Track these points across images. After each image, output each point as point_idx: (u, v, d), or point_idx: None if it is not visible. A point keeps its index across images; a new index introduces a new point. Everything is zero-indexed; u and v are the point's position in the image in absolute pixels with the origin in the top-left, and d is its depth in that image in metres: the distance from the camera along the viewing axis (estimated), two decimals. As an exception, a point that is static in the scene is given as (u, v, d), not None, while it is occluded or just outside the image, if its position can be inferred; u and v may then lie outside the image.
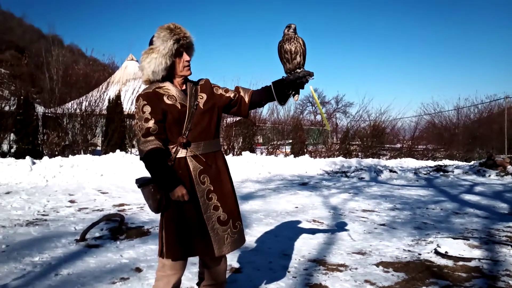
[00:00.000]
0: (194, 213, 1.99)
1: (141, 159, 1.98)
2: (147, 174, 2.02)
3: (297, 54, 2.03)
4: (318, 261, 3.50)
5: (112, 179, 8.46)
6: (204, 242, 2.00)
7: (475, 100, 27.20)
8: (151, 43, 2.01)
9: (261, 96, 2.18)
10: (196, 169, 2.00)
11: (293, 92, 2.12)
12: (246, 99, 2.18)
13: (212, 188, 2.02)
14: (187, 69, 2.04)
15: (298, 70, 2.03)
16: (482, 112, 25.66)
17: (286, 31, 2.06)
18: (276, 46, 2.10)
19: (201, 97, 2.07)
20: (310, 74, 2.00)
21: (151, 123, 1.94)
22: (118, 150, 10.89)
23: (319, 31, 73.76)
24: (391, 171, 11.13)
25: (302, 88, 2.08)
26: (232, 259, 3.43)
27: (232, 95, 2.16)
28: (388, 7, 78.28)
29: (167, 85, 2.03)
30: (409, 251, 3.85)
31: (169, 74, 2.03)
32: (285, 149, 17.20)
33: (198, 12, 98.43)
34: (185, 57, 2.02)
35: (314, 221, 5.15)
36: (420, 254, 3.72)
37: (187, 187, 1.98)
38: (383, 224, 5.02)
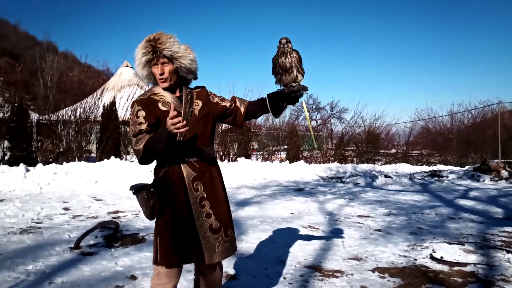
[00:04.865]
0: (187, 220, 1.98)
1: (141, 159, 1.95)
2: (142, 180, 2.01)
3: (293, 68, 2.03)
4: (314, 267, 3.49)
5: (107, 186, 8.41)
6: (196, 250, 1.99)
7: (468, 105, 27.37)
8: None
9: (257, 108, 2.18)
10: (190, 176, 2.00)
11: (287, 105, 2.13)
12: (242, 109, 2.18)
13: (205, 195, 2.02)
14: (160, 81, 2.02)
15: (294, 84, 2.04)
16: (476, 117, 25.80)
17: (280, 46, 2.06)
18: (272, 51, 2.11)
19: (196, 104, 2.07)
20: (305, 89, 2.01)
21: (143, 126, 1.95)
22: (113, 157, 10.85)
23: (314, 36, 74.24)
24: (386, 176, 11.17)
25: (297, 101, 2.08)
26: (228, 266, 3.41)
27: (228, 105, 2.17)
28: (382, 14, 78.96)
29: (162, 91, 2.04)
30: (404, 256, 3.85)
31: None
32: (281, 155, 17.21)
33: (193, 18, 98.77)
34: (156, 70, 2.00)
35: (310, 227, 5.15)
36: (415, 260, 3.73)
37: (181, 194, 1.97)
38: (379, 230, 5.03)
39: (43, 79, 13.76)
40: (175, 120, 1.73)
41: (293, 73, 2.04)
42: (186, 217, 1.98)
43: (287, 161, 14.13)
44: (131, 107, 2.03)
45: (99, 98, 14.58)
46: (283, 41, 2.06)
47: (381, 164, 16.91)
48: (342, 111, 34.45)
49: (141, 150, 1.92)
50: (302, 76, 2.07)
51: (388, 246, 4.21)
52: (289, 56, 2.03)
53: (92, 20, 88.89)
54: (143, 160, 1.96)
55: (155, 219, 2.02)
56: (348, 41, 77.06)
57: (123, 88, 18.41)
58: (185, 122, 1.76)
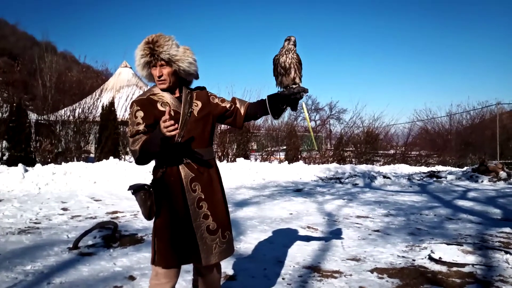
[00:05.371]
0: (184, 221, 1.98)
1: (137, 159, 1.96)
2: (141, 180, 2.01)
3: (291, 69, 2.02)
4: (313, 268, 3.49)
5: (106, 187, 8.41)
6: (193, 251, 1.99)
7: (467, 106, 27.43)
8: None
9: (256, 109, 2.17)
10: (188, 176, 1.99)
11: (287, 107, 2.12)
12: (242, 111, 2.18)
13: (203, 196, 2.01)
14: (159, 83, 2.03)
15: (294, 86, 2.02)
16: (474, 118, 25.84)
17: (286, 43, 2.05)
18: (271, 52, 2.10)
19: (196, 104, 2.07)
20: (305, 91, 1.99)
21: (141, 127, 1.95)
22: (111, 157, 10.84)
23: (313, 36, 74.24)
24: (385, 177, 11.18)
25: (297, 103, 2.07)
26: (227, 266, 3.41)
27: (228, 106, 2.17)
28: (381, 14, 79.05)
29: (162, 92, 2.04)
30: (403, 257, 3.86)
31: None
32: (279, 155, 17.21)
33: (193, 18, 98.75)
34: (154, 72, 2.01)
35: (308, 227, 5.15)
36: (414, 260, 3.73)
37: (178, 194, 1.97)
38: (377, 230, 5.03)
39: (42, 79, 13.76)
40: (167, 123, 1.72)
41: (291, 74, 2.03)
42: (183, 218, 1.98)
43: (286, 162, 14.13)
44: (130, 107, 2.03)
45: (98, 99, 14.58)
46: (293, 38, 2.04)
47: (380, 165, 16.92)
48: (341, 112, 34.44)
49: (137, 151, 1.93)
50: (300, 79, 2.06)
51: (387, 247, 4.21)
52: (289, 56, 2.03)
53: (91, 20, 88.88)
54: (140, 161, 1.97)
55: (153, 219, 2.02)
56: (347, 41, 77.15)
57: (122, 89, 18.42)
58: (177, 125, 1.75)
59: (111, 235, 4.36)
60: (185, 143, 1.99)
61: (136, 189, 1.97)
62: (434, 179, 11.49)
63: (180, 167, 1.99)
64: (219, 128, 14.62)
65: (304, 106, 2.17)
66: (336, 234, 4.78)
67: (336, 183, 10.65)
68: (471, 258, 3.71)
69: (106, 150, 12.50)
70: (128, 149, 13.46)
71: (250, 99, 10.95)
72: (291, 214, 6.08)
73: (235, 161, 12.94)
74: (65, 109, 13.84)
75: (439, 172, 13.15)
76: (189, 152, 2.00)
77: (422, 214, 6.17)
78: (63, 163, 10.26)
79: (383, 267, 3.55)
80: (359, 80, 68.12)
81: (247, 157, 14.87)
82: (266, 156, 16.59)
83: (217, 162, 2.23)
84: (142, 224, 5.07)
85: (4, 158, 11.67)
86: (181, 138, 1.98)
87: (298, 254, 3.88)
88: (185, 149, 1.99)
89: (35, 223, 5.17)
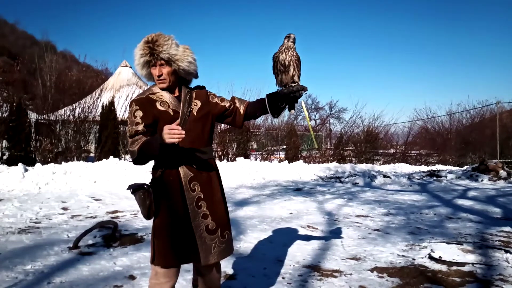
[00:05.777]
0: (183, 220, 1.98)
1: (135, 160, 1.97)
2: (141, 180, 2.01)
3: (290, 66, 2.02)
4: (313, 267, 3.49)
5: (106, 186, 8.41)
6: (192, 250, 1.99)
7: (467, 105, 27.33)
8: None
9: (256, 108, 2.17)
10: (187, 176, 1.99)
11: (287, 106, 2.11)
12: (242, 110, 2.18)
13: (202, 196, 2.01)
14: (158, 82, 2.03)
15: (293, 84, 2.02)
16: (474, 117, 25.77)
17: (285, 41, 2.05)
18: (271, 52, 2.10)
19: (195, 104, 2.07)
20: (304, 89, 1.99)
21: (140, 127, 1.95)
22: (111, 157, 10.83)
23: (313, 35, 74.19)
24: (385, 176, 11.17)
25: (296, 102, 2.07)
26: (226, 266, 3.41)
27: (227, 105, 2.16)
28: (381, 13, 79.03)
29: (161, 91, 2.04)
30: (403, 256, 3.86)
31: None
32: (279, 154, 17.21)
33: (193, 17, 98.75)
34: (154, 71, 2.01)
35: (308, 227, 5.15)
36: (414, 259, 3.73)
37: (177, 194, 1.97)
38: (377, 230, 5.03)
39: (42, 79, 13.75)
40: (174, 129, 1.72)
41: (291, 72, 2.03)
42: (182, 217, 1.98)
43: (286, 161, 14.13)
44: (130, 107, 2.04)
45: (97, 98, 14.57)
46: (292, 36, 2.04)
47: (380, 164, 16.92)
48: (341, 111, 34.49)
49: (135, 151, 1.93)
50: (299, 78, 2.06)
51: (387, 246, 4.22)
52: (289, 54, 2.02)
53: (91, 19, 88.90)
54: (138, 161, 1.97)
55: (152, 218, 2.02)
56: (347, 40, 77.16)
57: (122, 88, 18.42)
58: (183, 133, 1.74)
59: (111, 234, 4.36)
60: (184, 142, 1.99)
61: (135, 189, 1.97)
62: (434, 178, 11.49)
63: (179, 166, 1.99)
64: (219, 127, 14.61)
65: (303, 104, 2.16)
66: (336, 233, 4.78)
67: (336, 182, 10.65)
68: (471, 257, 3.71)
69: (106, 149, 12.49)
70: (127, 149, 13.45)
71: (250, 98, 10.95)
72: (291, 213, 6.08)
73: (235, 161, 12.93)
74: (65, 108, 13.83)
75: (439, 171, 13.14)
76: (188, 152, 2.00)
77: (422, 213, 6.17)
78: (63, 162, 10.26)
79: (383, 266, 3.55)
80: (359, 79, 68.25)
81: (247, 156, 14.87)
82: (266, 156, 16.58)
83: (217, 161, 2.23)
84: (142, 223, 5.07)
85: (4, 157, 11.66)
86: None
87: (298, 253, 3.88)
88: (184, 149, 1.99)
89: (35, 222, 5.18)
